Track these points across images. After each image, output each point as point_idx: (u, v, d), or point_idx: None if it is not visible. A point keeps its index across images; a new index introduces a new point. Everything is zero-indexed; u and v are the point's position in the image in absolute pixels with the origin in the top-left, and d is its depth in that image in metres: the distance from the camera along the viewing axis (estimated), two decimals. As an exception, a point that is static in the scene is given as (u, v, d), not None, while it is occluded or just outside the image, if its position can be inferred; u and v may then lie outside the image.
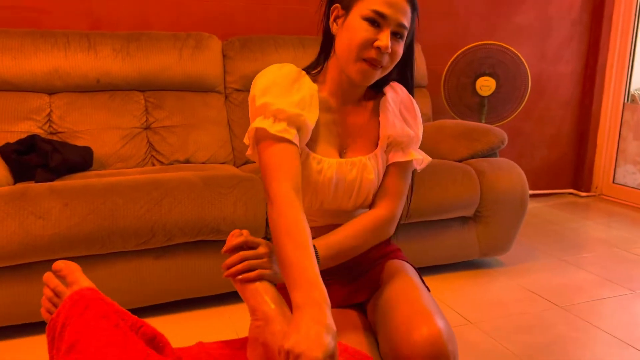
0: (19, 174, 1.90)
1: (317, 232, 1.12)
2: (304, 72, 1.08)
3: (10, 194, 1.64)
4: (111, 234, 1.70)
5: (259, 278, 0.91)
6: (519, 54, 2.92)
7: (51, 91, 2.24)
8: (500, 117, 3.02)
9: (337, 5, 1.05)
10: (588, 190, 3.73)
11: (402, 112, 1.12)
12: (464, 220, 2.27)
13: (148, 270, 1.81)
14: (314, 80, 1.10)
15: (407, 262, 1.19)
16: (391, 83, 1.14)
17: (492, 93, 2.94)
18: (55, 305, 0.85)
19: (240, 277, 0.91)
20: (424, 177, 2.12)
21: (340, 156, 1.10)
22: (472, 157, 2.35)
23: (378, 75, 1.03)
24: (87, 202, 1.69)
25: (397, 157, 1.10)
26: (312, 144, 1.07)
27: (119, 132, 2.26)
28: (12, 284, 1.66)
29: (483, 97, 2.96)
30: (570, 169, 3.76)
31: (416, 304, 0.98)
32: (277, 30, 2.75)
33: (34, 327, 1.74)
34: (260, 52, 2.52)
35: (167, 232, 1.76)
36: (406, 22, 1.01)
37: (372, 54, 0.99)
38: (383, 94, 1.13)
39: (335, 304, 1.11)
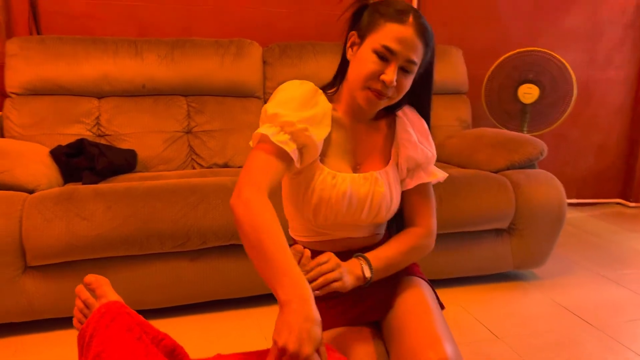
0: (68, 176, 2.02)
1: (334, 245, 1.16)
2: (321, 91, 1.12)
3: (59, 196, 1.76)
4: (150, 236, 1.79)
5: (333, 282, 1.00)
6: (564, 62, 2.83)
7: (100, 95, 2.36)
8: (544, 125, 2.95)
9: (355, 32, 1.10)
10: (637, 201, 3.58)
11: (416, 133, 1.17)
12: (498, 232, 2.25)
13: (184, 271, 1.90)
14: (330, 100, 1.15)
15: (422, 277, 1.21)
16: (404, 107, 1.18)
17: (535, 101, 2.87)
18: (85, 316, 0.93)
19: (318, 291, 0.98)
20: (458, 187, 2.12)
21: (354, 172, 1.14)
22: (509, 168, 2.32)
23: (383, 104, 1.08)
24: (128, 205, 1.78)
25: (421, 178, 1.17)
26: (326, 159, 1.12)
27: (162, 136, 2.36)
28: (60, 279, 1.78)
29: (525, 105, 2.90)
30: (619, 177, 3.63)
31: (426, 327, 1.01)
32: (316, 37, 2.79)
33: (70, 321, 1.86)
34: (299, 58, 2.57)
35: (202, 235, 1.84)
36: (416, 58, 1.04)
37: (377, 85, 1.04)
38: (395, 116, 1.18)
39: (349, 322, 1.15)
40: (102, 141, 2.29)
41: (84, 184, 1.96)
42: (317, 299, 1.15)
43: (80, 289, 0.95)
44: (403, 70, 1.04)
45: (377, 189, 1.12)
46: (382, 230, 1.22)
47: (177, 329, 1.87)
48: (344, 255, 1.14)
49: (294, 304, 0.82)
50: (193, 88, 2.45)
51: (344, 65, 1.14)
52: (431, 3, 2.99)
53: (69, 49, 2.30)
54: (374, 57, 1.03)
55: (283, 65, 2.55)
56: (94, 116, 2.32)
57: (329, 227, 1.14)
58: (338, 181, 1.10)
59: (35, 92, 2.27)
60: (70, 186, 1.86)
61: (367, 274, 1.06)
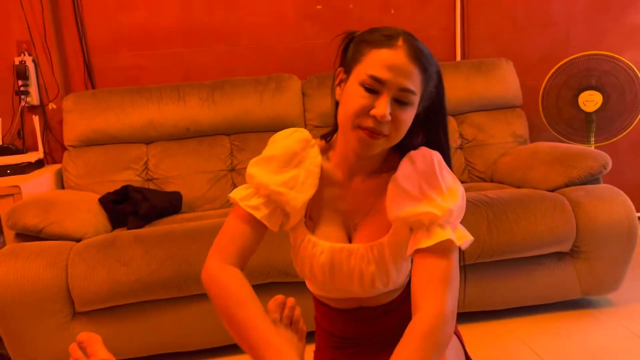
0: (116, 222, 2.11)
1: (337, 303, 1.09)
2: (313, 142, 1.02)
3: (101, 243, 1.84)
4: (187, 279, 1.81)
5: None
6: (630, 64, 2.59)
7: (148, 141, 2.47)
8: (612, 133, 2.69)
9: (341, 68, 0.98)
10: None
11: (421, 187, 0.94)
12: (559, 256, 2.05)
13: (223, 311, 1.90)
14: (327, 149, 1.04)
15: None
16: (412, 152, 0.98)
17: (599, 108, 2.64)
18: (77, 374, 0.93)
19: None
20: (507, 210, 1.97)
21: (349, 236, 1.02)
22: (568, 185, 2.12)
23: (381, 144, 0.92)
24: (165, 249, 1.82)
25: (421, 241, 0.91)
26: (314, 222, 1.01)
27: (206, 176, 2.42)
28: (107, 324, 1.84)
29: (588, 113, 2.67)
30: None
31: None
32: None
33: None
34: (338, 87, 2.54)
35: (263, 271, 1.83)
36: (412, 86, 0.89)
37: (369, 122, 0.90)
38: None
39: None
40: (151, 185, 2.38)
41: (128, 229, 2.04)
42: (328, 351, 1.09)
43: (73, 347, 0.96)
44: (398, 102, 0.90)
45: (363, 266, 0.98)
46: (400, 286, 1.06)
47: (220, 371, 1.87)
48: (356, 312, 1.06)
49: None
50: (235, 127, 2.50)
51: (337, 107, 0.99)
52: (475, 16, 2.86)
53: (117, 99, 2.43)
54: (362, 91, 0.90)
55: (322, 96, 2.54)
56: (143, 161, 2.43)
57: (326, 290, 1.06)
58: (317, 251, 0.99)
59: (89, 143, 2.42)
60: (113, 233, 1.94)
61: None
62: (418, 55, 0.90)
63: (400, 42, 0.90)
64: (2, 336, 1.79)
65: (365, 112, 0.90)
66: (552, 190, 2.12)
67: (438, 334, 0.85)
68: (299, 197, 0.97)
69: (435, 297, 0.87)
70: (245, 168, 2.64)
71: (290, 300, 0.98)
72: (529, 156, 2.36)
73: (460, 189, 0.95)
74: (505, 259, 2.00)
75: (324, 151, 1.04)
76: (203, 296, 1.86)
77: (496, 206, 1.98)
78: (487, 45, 2.89)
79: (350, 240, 1.02)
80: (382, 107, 0.88)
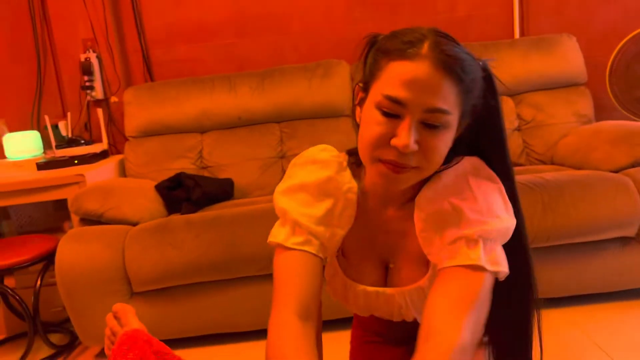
0: (170, 207, 2.21)
1: (371, 319, 1.04)
2: (345, 164, 0.87)
3: (155, 227, 1.93)
4: (234, 261, 1.87)
5: None
6: None
7: (202, 130, 2.55)
8: (690, 109, 2.47)
9: (360, 84, 0.82)
10: None
11: (451, 201, 0.79)
12: (624, 241, 1.92)
13: (270, 294, 1.93)
14: (359, 171, 0.89)
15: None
16: (443, 169, 0.82)
17: (675, 82, 2.43)
18: (112, 342, 0.99)
19: None
20: (564, 192, 1.87)
21: (386, 271, 0.91)
22: (634, 166, 1.98)
23: (410, 178, 0.76)
24: (214, 232, 1.88)
25: (442, 261, 0.77)
26: (347, 259, 0.92)
27: (257, 163, 2.47)
28: (162, 304, 1.93)
29: (662, 89, 2.47)
30: None
31: None
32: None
33: (171, 343, 1.99)
34: (387, 71, 2.51)
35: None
36: (443, 105, 0.72)
37: (390, 155, 0.74)
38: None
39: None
40: (205, 172, 2.47)
41: (182, 214, 2.12)
42: (363, 348, 1.07)
43: (109, 317, 1.02)
44: (427, 126, 0.73)
45: (403, 310, 0.90)
46: None
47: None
48: (400, 326, 0.97)
49: None
50: (284, 114, 2.53)
51: (358, 127, 0.83)
52: (536, -10, 2.71)
53: (173, 91, 2.53)
54: (378, 116, 0.74)
55: (371, 81, 2.51)
56: (197, 150, 2.52)
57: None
58: (350, 294, 0.92)
59: (148, 133, 2.54)
60: (167, 218, 2.03)
61: None
62: (449, 64, 0.71)
63: (425, 50, 0.72)
64: (69, 314, 1.93)
65: (384, 142, 0.74)
66: (616, 172, 1.98)
67: None
68: (338, 232, 0.85)
69: (453, 324, 0.71)
70: (294, 155, 2.68)
71: None
72: (591, 136, 2.22)
73: (503, 207, 0.78)
74: (562, 243, 1.90)
75: (355, 173, 0.89)
76: (250, 278, 1.92)
77: (552, 188, 1.88)
78: (549, 21, 2.74)
79: (385, 279, 0.92)
80: (404, 136, 0.72)
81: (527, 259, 0.83)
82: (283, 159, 2.50)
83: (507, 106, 2.49)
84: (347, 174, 0.86)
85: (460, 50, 0.74)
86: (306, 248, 0.81)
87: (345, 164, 0.87)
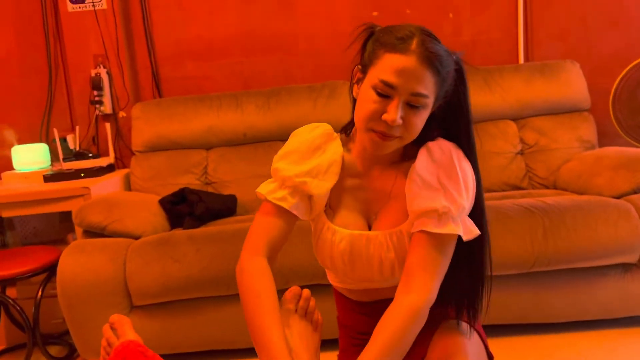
0: (173, 222, 2.23)
1: (356, 294, 1.10)
2: (335, 135, 1.07)
3: (157, 241, 1.94)
4: (235, 277, 1.87)
5: None
6: None
7: (208, 147, 2.58)
8: (694, 137, 2.48)
9: (359, 66, 1.00)
10: None
11: (440, 179, 0.97)
12: (625, 267, 1.92)
13: (270, 311, 1.94)
14: (347, 141, 1.08)
15: (470, 324, 1.06)
16: (429, 144, 1.01)
17: (678, 110, 2.44)
18: (108, 353, 1.00)
19: None
20: (565, 216, 1.87)
21: (369, 224, 1.04)
22: (636, 192, 1.98)
23: (394, 145, 0.96)
24: (215, 246, 1.90)
25: (429, 225, 0.95)
26: (334, 211, 1.04)
27: (261, 180, 2.41)
28: (162, 318, 1.94)
29: (665, 116, 2.48)
30: None
31: None
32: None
33: (169, 358, 1.99)
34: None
35: (284, 275, 1.87)
36: (424, 90, 0.91)
37: (380, 126, 0.93)
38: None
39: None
40: (209, 188, 2.49)
41: (184, 228, 2.14)
42: (350, 349, 1.10)
43: (105, 328, 1.03)
44: (410, 106, 0.92)
45: (383, 253, 1.00)
46: None
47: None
48: (375, 304, 1.07)
49: None
50: (289, 132, 2.49)
51: (355, 103, 1.04)
52: (540, 17, 2.75)
53: (180, 107, 2.57)
54: (373, 95, 0.92)
55: (376, 102, 2.54)
56: (202, 166, 2.54)
57: (346, 279, 1.08)
58: (337, 239, 1.02)
59: (154, 148, 2.57)
60: (169, 232, 2.04)
61: None
62: (431, 59, 0.91)
63: (413, 46, 0.91)
64: (68, 326, 1.93)
65: (377, 116, 0.93)
66: (618, 197, 1.98)
67: (422, 316, 0.93)
68: (323, 184, 1.01)
69: (426, 282, 0.93)
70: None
71: (306, 292, 0.99)
72: (593, 161, 2.22)
73: (473, 183, 0.98)
74: (563, 268, 1.89)
75: (344, 143, 1.08)
76: (249, 295, 1.92)
77: (553, 212, 1.89)
78: (553, 47, 2.77)
79: (369, 229, 1.04)
80: (393, 112, 0.91)
81: (483, 222, 1.00)
82: (287, 177, 2.51)
83: (510, 130, 2.51)
84: (336, 142, 1.05)
85: (440, 48, 0.93)
86: (282, 204, 1.00)
87: (334, 134, 1.07)
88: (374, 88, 0.92)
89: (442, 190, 0.96)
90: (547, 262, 1.86)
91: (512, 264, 1.85)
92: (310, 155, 1.03)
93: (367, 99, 0.94)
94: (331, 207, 1.06)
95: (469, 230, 0.96)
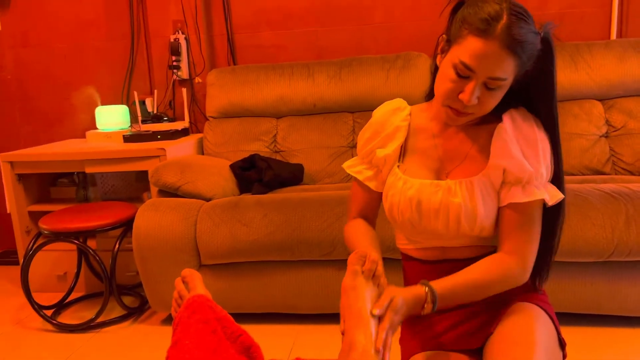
0: (244, 187, 2.28)
1: (425, 253, 1.10)
2: (404, 106, 1.13)
3: (227, 204, 2.00)
4: (299, 244, 1.90)
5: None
6: None
7: (278, 115, 2.61)
8: None
9: (444, 36, 1.01)
10: None
11: (522, 146, 0.99)
12: None
13: (332, 279, 1.96)
14: (425, 107, 1.13)
15: (541, 306, 1.03)
16: (512, 111, 1.02)
17: None
18: (179, 305, 1.04)
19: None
20: (619, 206, 1.74)
21: (438, 179, 1.05)
22: None
23: (469, 119, 1.01)
24: (282, 213, 1.93)
25: (516, 196, 0.98)
26: (406, 166, 1.08)
27: (327, 151, 2.49)
28: (228, 278, 2.01)
29: None
30: None
31: None
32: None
33: (233, 317, 2.06)
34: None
35: (346, 246, 1.87)
36: (503, 75, 0.93)
37: (456, 104, 0.97)
38: (500, 120, 1.02)
39: (443, 347, 1.04)
40: (277, 157, 2.52)
41: (253, 194, 2.18)
42: (412, 321, 1.10)
43: (177, 281, 1.08)
44: (487, 87, 0.95)
45: (450, 198, 1.00)
46: (493, 242, 1.06)
47: (325, 336, 1.94)
48: (440, 264, 1.08)
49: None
50: (359, 104, 2.53)
51: (436, 70, 1.06)
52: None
53: (253, 75, 2.60)
54: (453, 74, 0.95)
55: (451, 76, 2.45)
56: (272, 134, 2.58)
57: (414, 234, 1.08)
58: (407, 187, 1.04)
59: (227, 115, 2.63)
60: (238, 196, 2.09)
61: (428, 308, 0.94)
62: (513, 46, 0.90)
63: (498, 31, 0.90)
64: (141, 278, 2.04)
65: (454, 95, 0.96)
66: None
67: (514, 279, 0.99)
68: (387, 149, 1.09)
69: (522, 248, 0.99)
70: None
71: (374, 254, 0.97)
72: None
73: (550, 153, 1.01)
74: (621, 260, 1.77)
75: (423, 108, 1.13)
76: (313, 262, 1.95)
77: (638, 199, 1.76)
78: (648, 22, 2.55)
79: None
80: (469, 94, 0.94)
81: (562, 189, 1.02)
82: (353, 149, 2.50)
83: (596, 110, 2.35)
84: (404, 111, 1.12)
85: (526, 31, 0.91)
86: (358, 176, 1.14)
87: (403, 106, 1.13)
88: (454, 67, 0.94)
89: (526, 158, 0.98)
90: (627, 252, 1.74)
91: (589, 251, 1.75)
92: (380, 131, 1.11)
93: (447, 76, 0.96)
94: (404, 163, 1.09)
95: (553, 195, 0.99)
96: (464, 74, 0.93)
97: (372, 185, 1.13)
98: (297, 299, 1.99)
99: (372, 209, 1.17)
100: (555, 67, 0.98)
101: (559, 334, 1.02)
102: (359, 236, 1.08)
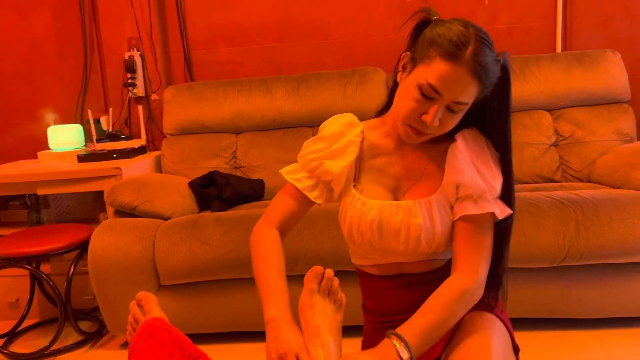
0: (202, 204, 2.25)
1: (383, 269, 1.10)
2: (357, 123, 1.11)
3: (186, 222, 1.97)
4: (260, 260, 1.89)
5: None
6: None
7: (237, 131, 2.60)
8: None
9: (408, 53, 1.01)
10: None
11: (473, 162, 1.01)
12: (662, 264, 1.85)
13: (295, 295, 1.94)
14: (378, 123, 1.11)
15: (496, 314, 1.05)
16: (465, 131, 1.04)
17: None
18: (134, 329, 1.02)
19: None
20: (599, 210, 1.82)
21: (395, 199, 1.06)
22: (676, 187, 1.91)
23: (426, 138, 1.00)
24: (242, 230, 1.91)
25: (468, 209, 0.99)
26: (362, 185, 1.07)
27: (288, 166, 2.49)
28: (188, 299, 1.97)
29: None
30: None
31: None
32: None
33: (195, 338, 2.03)
34: (423, 80, 2.50)
35: (308, 260, 1.88)
36: (465, 99, 0.94)
37: (418, 125, 0.97)
38: (453, 140, 1.04)
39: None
40: (238, 172, 2.51)
41: (213, 211, 2.16)
42: (373, 335, 1.10)
43: (132, 305, 1.06)
44: (449, 110, 0.96)
45: (411, 220, 1.01)
46: (446, 256, 1.08)
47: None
48: (397, 278, 1.08)
49: (269, 326, 0.92)
50: (318, 119, 2.53)
51: (395, 86, 1.07)
52: (581, 4, 2.65)
53: (211, 92, 2.59)
54: (417, 94, 0.94)
55: (406, 89, 2.50)
56: (232, 150, 2.56)
57: (371, 252, 1.08)
58: (366, 208, 1.03)
59: (184, 131, 2.60)
60: (198, 214, 2.07)
61: (405, 355, 0.89)
62: (479, 73, 0.92)
63: (466, 56, 0.91)
64: (98, 302, 1.98)
65: (417, 115, 0.96)
66: (657, 193, 1.92)
67: (470, 294, 0.97)
68: (337, 163, 1.06)
69: (474, 263, 0.98)
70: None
71: (329, 271, 0.98)
72: (631, 155, 2.15)
73: (500, 170, 1.03)
74: (595, 263, 1.84)
75: (375, 125, 1.12)
76: (274, 278, 1.93)
77: (587, 206, 1.83)
78: (593, 36, 2.67)
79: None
80: (432, 116, 0.94)
81: (513, 206, 1.03)
82: (314, 163, 2.51)
83: (545, 121, 2.44)
84: (357, 128, 1.10)
85: (490, 59, 0.94)
86: (297, 184, 1.08)
87: (356, 122, 1.11)
88: (420, 87, 0.94)
89: (479, 174, 1.00)
90: (578, 257, 1.81)
91: (542, 257, 1.81)
92: (332, 142, 1.08)
93: (410, 95, 0.96)
94: (360, 182, 1.08)
95: (503, 210, 1.00)
96: (429, 95, 0.93)
97: (311, 195, 1.08)
98: (260, 316, 1.96)
99: (295, 221, 1.12)
100: (511, 93, 1.00)
101: (513, 340, 1.04)
102: (273, 271, 1.04)
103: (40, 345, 2.09)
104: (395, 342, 0.90)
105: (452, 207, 1.03)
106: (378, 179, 1.07)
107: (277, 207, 1.10)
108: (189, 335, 2.03)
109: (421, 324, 0.93)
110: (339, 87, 2.53)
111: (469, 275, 0.98)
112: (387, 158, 1.08)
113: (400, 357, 0.89)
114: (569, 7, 2.67)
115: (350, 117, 1.12)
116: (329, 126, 1.11)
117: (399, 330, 0.92)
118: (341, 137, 1.08)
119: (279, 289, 0.99)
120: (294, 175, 1.09)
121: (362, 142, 1.09)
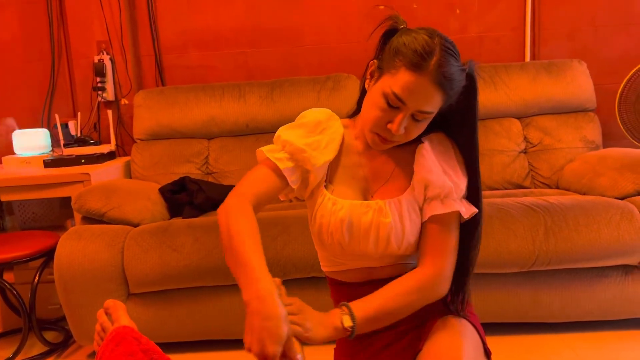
0: (173, 211, 2.22)
1: (353, 274, 1.10)
2: (336, 117, 1.11)
3: (156, 229, 1.93)
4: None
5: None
6: None
7: (209, 136, 2.57)
8: (699, 141, 2.45)
9: (375, 61, 1.02)
10: None
11: (440, 162, 1.04)
12: (626, 269, 1.90)
13: (267, 302, 1.93)
14: (350, 123, 1.13)
15: (467, 318, 1.06)
16: (432, 135, 1.06)
17: (684, 113, 2.42)
18: (102, 338, 0.99)
19: None
20: (567, 216, 1.85)
21: (364, 199, 1.06)
22: (639, 194, 1.97)
23: (391, 145, 1.02)
24: (213, 236, 1.88)
25: (436, 209, 1.02)
26: (333, 185, 1.07)
27: (261, 171, 2.47)
28: (158, 307, 1.93)
29: (671, 119, 2.45)
30: None
31: None
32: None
33: (165, 347, 1.99)
34: (396, 87, 2.52)
35: (282, 267, 1.86)
36: (429, 108, 0.96)
37: (384, 133, 0.99)
38: (420, 142, 1.06)
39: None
40: (210, 178, 2.48)
41: (184, 217, 2.12)
42: (344, 343, 1.09)
43: (100, 313, 1.02)
44: (414, 119, 0.98)
45: (381, 219, 1.02)
46: (413, 260, 1.08)
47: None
48: (367, 285, 1.08)
49: (253, 304, 0.82)
50: (291, 124, 2.53)
51: (363, 93, 1.08)
52: (548, 15, 2.73)
53: (183, 96, 2.55)
54: (383, 103, 0.96)
55: (379, 96, 2.52)
56: (204, 156, 2.53)
57: (340, 256, 1.08)
58: (337, 208, 1.03)
59: (155, 137, 2.56)
60: (168, 221, 2.03)
61: (347, 323, 0.94)
62: (443, 83, 0.94)
63: (430, 67, 0.92)
64: (64, 311, 1.92)
65: (382, 123, 0.98)
66: (622, 199, 1.97)
67: (432, 288, 1.01)
68: (320, 157, 1.03)
69: (438, 258, 1.01)
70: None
71: (276, 280, 0.96)
72: (597, 162, 2.20)
73: (465, 172, 1.05)
74: (563, 268, 1.88)
75: (347, 125, 1.12)
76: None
77: (555, 212, 1.87)
78: (560, 46, 2.75)
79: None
80: (398, 124, 0.96)
81: (480, 207, 1.05)
82: (288, 169, 2.50)
83: (514, 128, 2.49)
84: (337, 122, 1.10)
85: (455, 69, 0.95)
86: (278, 163, 1.02)
87: (335, 116, 1.11)
88: (385, 96, 0.95)
89: (446, 175, 1.02)
90: (547, 262, 1.84)
91: (512, 262, 1.84)
92: (312, 131, 1.06)
93: (376, 104, 0.97)
94: (331, 182, 1.08)
95: (468, 209, 1.03)
96: (394, 104, 0.95)
97: (290, 179, 1.02)
98: (232, 324, 1.94)
99: (271, 199, 1.04)
100: (478, 101, 1.01)
101: (484, 344, 1.05)
102: (251, 245, 0.90)
103: (4, 356, 2.02)
104: (343, 310, 0.95)
105: (421, 209, 1.04)
106: (348, 179, 1.08)
107: (254, 183, 1.02)
108: (159, 344, 1.99)
109: (374, 304, 0.97)
110: (313, 93, 2.53)
111: (432, 270, 1.01)
112: (357, 158, 1.09)
113: (342, 324, 0.93)
114: (538, 18, 2.73)
115: (329, 110, 1.12)
116: (310, 115, 1.10)
117: (351, 303, 0.96)
118: (321, 130, 1.06)
119: (259, 264, 0.88)
120: (275, 154, 1.03)
121: (342, 140, 1.08)
